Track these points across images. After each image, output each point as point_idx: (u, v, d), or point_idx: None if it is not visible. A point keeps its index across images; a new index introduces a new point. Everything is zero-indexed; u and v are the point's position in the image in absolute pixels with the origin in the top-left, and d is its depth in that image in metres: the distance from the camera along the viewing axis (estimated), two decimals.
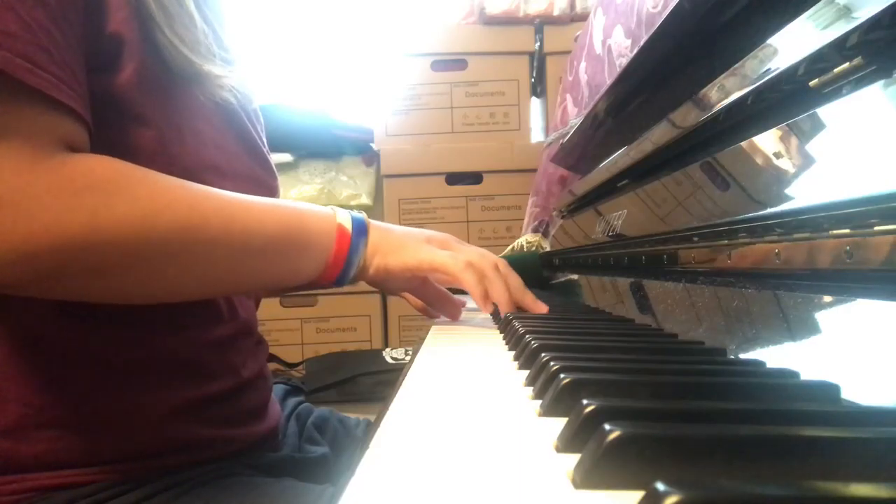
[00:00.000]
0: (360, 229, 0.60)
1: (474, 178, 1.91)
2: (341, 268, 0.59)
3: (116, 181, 0.46)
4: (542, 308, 0.67)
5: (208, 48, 0.56)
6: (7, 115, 0.43)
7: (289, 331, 1.87)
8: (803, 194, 0.36)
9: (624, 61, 0.93)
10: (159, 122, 0.53)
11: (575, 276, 0.95)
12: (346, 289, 0.68)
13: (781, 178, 0.38)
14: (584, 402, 0.24)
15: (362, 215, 0.61)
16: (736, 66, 0.47)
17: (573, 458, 0.22)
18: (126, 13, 0.50)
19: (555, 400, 0.29)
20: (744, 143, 0.44)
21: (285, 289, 0.61)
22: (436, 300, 0.70)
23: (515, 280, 0.67)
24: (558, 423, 0.26)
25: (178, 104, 0.55)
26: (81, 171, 0.45)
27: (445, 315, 0.73)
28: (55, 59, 0.44)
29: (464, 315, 0.80)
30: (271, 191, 0.67)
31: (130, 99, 0.51)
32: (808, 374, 0.33)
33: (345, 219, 0.59)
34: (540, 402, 0.31)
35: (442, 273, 0.62)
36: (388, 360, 1.70)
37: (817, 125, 0.36)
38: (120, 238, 0.45)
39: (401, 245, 0.62)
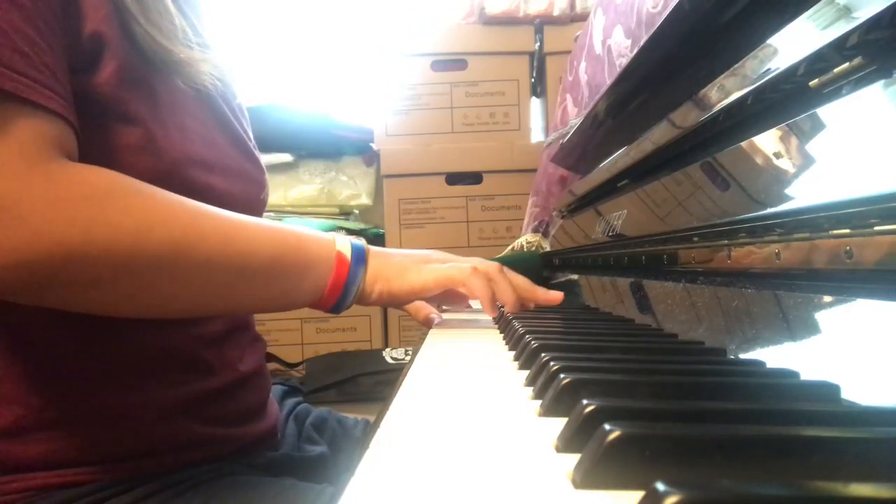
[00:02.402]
0: (360, 257, 0.58)
1: (474, 178, 1.91)
2: (338, 296, 0.57)
3: (112, 192, 0.46)
4: (556, 296, 0.67)
5: (185, 33, 0.56)
6: None
7: (289, 331, 1.87)
8: (803, 194, 0.36)
9: (624, 61, 0.93)
10: (144, 119, 0.52)
11: (575, 276, 0.94)
12: None
13: (781, 178, 0.38)
14: (584, 402, 0.24)
15: (362, 242, 0.60)
16: (736, 66, 0.47)
17: (573, 458, 0.22)
18: (106, 11, 0.50)
19: (555, 400, 0.29)
20: (744, 143, 0.44)
21: (279, 311, 0.60)
22: (442, 299, 0.71)
23: (521, 280, 0.67)
24: (558, 423, 0.26)
25: (161, 99, 0.55)
26: (77, 180, 0.45)
27: (457, 306, 0.74)
28: (33, 62, 0.43)
29: (464, 315, 0.80)
30: (259, 185, 0.67)
31: (114, 97, 0.51)
32: (808, 374, 0.33)
33: (344, 246, 0.58)
34: (540, 402, 0.31)
35: (449, 286, 0.62)
36: (388, 360, 1.70)
37: (817, 125, 0.36)
38: (113, 249, 0.45)
39: (403, 269, 0.61)
